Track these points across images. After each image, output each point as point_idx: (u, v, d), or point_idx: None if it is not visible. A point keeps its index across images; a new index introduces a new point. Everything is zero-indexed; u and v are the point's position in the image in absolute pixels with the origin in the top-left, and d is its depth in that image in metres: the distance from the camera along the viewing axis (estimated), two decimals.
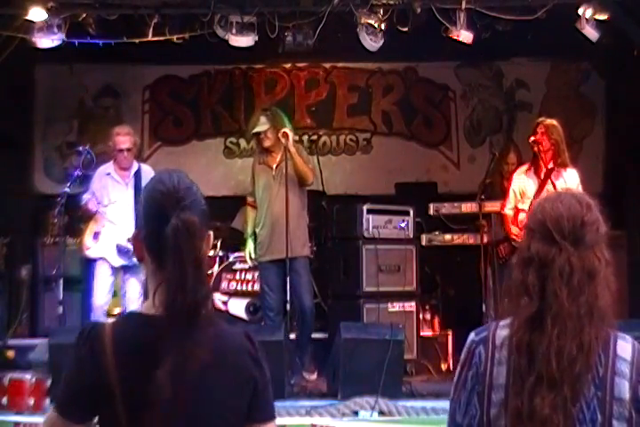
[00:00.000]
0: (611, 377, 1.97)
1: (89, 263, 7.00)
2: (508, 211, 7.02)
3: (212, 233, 2.04)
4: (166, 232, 1.90)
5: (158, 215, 1.94)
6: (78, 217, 7.37)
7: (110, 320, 1.98)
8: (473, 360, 2.05)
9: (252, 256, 6.94)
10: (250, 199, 7.09)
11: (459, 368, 2.09)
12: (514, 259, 2.11)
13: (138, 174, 6.80)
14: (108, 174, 6.87)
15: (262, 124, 6.92)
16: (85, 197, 6.80)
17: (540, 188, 6.80)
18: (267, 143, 6.95)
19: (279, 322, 6.72)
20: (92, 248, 6.76)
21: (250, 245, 6.96)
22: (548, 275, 1.99)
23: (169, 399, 1.83)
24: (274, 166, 6.94)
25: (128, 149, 6.83)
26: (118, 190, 6.77)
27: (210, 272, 7.67)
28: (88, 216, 6.86)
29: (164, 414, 1.84)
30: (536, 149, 6.79)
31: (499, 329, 2.05)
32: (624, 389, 1.97)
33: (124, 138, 6.85)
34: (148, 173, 6.87)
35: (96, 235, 6.77)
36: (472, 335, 2.11)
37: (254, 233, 6.95)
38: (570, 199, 2.07)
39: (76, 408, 1.92)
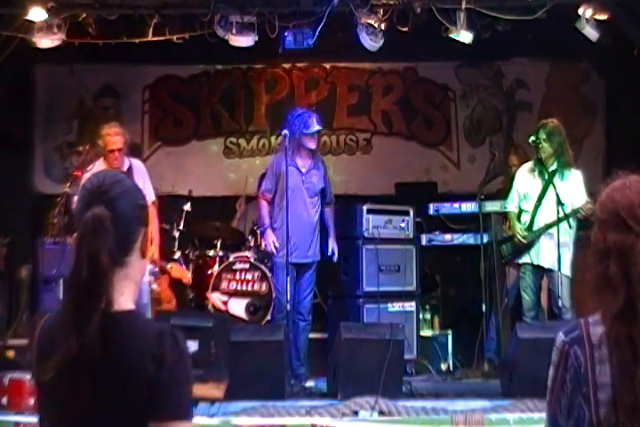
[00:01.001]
0: None
1: None
2: (512, 209, 7.00)
3: (145, 228, 2.04)
4: (80, 223, 1.96)
5: (82, 209, 1.98)
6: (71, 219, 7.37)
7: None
8: (569, 361, 2.01)
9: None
10: (267, 195, 7.08)
11: (552, 371, 2.05)
12: (589, 253, 2.08)
13: (130, 171, 6.78)
14: None
15: (318, 125, 7.04)
16: (75, 200, 6.78)
17: (543, 190, 6.79)
18: (313, 146, 7.02)
19: (283, 321, 6.76)
20: None
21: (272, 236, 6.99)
22: (630, 262, 1.97)
23: (61, 391, 1.89)
24: (304, 171, 6.99)
25: (119, 150, 6.78)
26: None
27: (210, 272, 7.67)
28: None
29: (69, 405, 1.89)
30: (538, 153, 6.78)
31: (592, 327, 2.01)
32: None
33: (114, 138, 6.75)
34: (139, 168, 6.86)
35: None
36: (561, 336, 2.06)
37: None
38: (638, 186, 2.08)
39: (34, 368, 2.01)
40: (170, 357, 1.91)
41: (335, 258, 7.14)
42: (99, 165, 6.86)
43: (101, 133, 6.83)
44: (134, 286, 2.02)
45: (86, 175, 6.82)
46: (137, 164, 6.93)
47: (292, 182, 6.92)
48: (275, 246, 6.94)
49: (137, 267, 2.02)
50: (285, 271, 6.83)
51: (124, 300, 1.97)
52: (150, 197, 6.78)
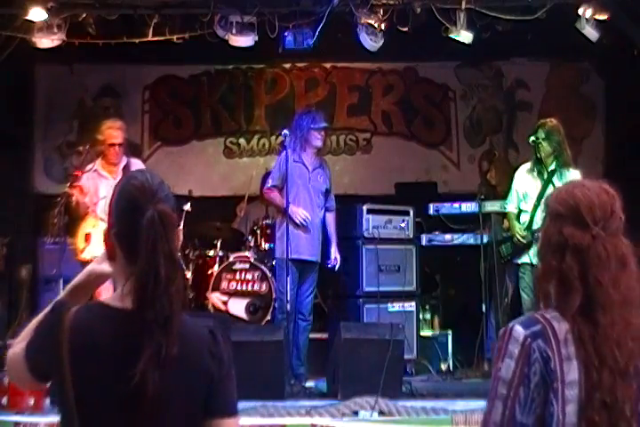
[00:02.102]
0: None
1: (85, 266, 6.97)
2: (511, 209, 7.00)
3: (181, 229, 2.06)
4: (141, 224, 1.91)
5: (132, 209, 1.95)
6: (72, 218, 7.37)
7: (75, 308, 1.98)
8: (532, 356, 1.98)
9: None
10: (274, 189, 7.04)
11: (511, 364, 1.99)
12: (540, 245, 2.09)
13: (127, 169, 6.76)
14: (95, 171, 6.82)
15: (325, 122, 7.07)
16: (74, 192, 6.76)
17: (542, 189, 6.79)
18: (319, 143, 7.02)
19: (284, 321, 6.75)
20: (85, 251, 6.71)
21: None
22: (586, 261, 1.98)
23: (129, 392, 1.85)
24: (311, 169, 7.00)
25: (120, 144, 6.77)
26: (106, 185, 6.62)
27: (210, 272, 7.67)
28: (78, 218, 6.82)
29: (125, 403, 1.86)
30: (537, 153, 6.77)
31: (554, 322, 2.00)
32: None
33: (116, 132, 6.74)
34: (137, 166, 6.83)
35: (87, 236, 6.72)
36: (519, 329, 2.01)
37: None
38: (597, 188, 2.08)
39: (34, 364, 1.96)
40: (225, 354, 1.97)
41: (337, 266, 7.11)
42: (97, 164, 6.85)
43: (102, 127, 6.81)
44: None
45: (86, 175, 6.83)
46: (135, 162, 6.89)
47: (297, 180, 6.91)
48: (306, 216, 6.85)
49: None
50: (291, 271, 6.82)
51: None
52: None
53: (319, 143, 7.04)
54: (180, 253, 7.58)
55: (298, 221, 6.84)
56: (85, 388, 1.89)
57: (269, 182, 7.08)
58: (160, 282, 1.88)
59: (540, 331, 2.00)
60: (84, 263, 6.88)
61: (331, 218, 7.16)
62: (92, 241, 6.68)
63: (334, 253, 7.07)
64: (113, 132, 6.74)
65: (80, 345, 1.91)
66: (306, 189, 6.97)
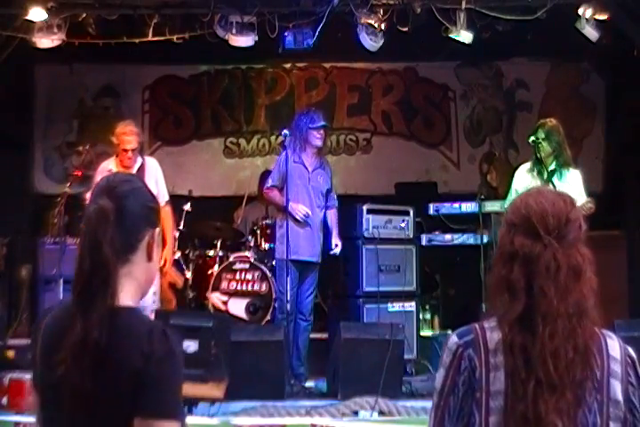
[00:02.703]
0: (607, 379, 1.94)
1: None
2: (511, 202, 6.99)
3: (157, 230, 2.07)
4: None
5: (89, 206, 2.03)
6: (80, 217, 7.35)
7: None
8: (462, 365, 1.98)
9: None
10: (274, 188, 7.04)
11: (442, 373, 2.01)
12: (494, 255, 2.07)
13: (142, 170, 6.77)
14: (110, 171, 6.82)
15: (324, 121, 7.04)
16: (89, 195, 6.78)
17: None
18: (319, 143, 7.01)
19: (284, 322, 6.75)
20: None
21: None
22: (534, 271, 1.95)
23: (60, 381, 1.90)
24: (311, 170, 6.99)
25: (133, 150, 6.75)
26: None
27: (210, 272, 7.67)
28: None
29: (69, 399, 1.90)
30: (537, 153, 6.77)
31: (488, 331, 2.00)
32: (618, 390, 1.94)
33: (129, 138, 6.66)
34: (152, 167, 6.82)
35: None
36: (454, 338, 2.03)
37: None
38: (553, 196, 2.05)
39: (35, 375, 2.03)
40: (158, 353, 1.91)
41: (338, 251, 7.08)
42: (109, 163, 6.84)
43: (116, 131, 6.75)
44: (137, 286, 2.03)
45: (100, 174, 6.81)
46: (150, 162, 6.85)
47: (297, 180, 6.91)
48: (306, 212, 6.85)
49: (142, 267, 2.04)
50: (291, 271, 6.83)
51: (124, 296, 1.99)
52: (164, 197, 6.77)
53: (319, 143, 7.03)
54: (180, 254, 7.69)
55: (299, 217, 6.85)
56: (43, 383, 1.98)
57: (269, 182, 7.08)
58: (81, 274, 1.94)
59: (471, 340, 2.00)
60: None
61: (333, 214, 7.15)
62: None
63: (335, 240, 7.06)
64: (127, 137, 6.66)
65: (46, 333, 1.99)
66: (306, 189, 6.97)
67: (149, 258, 2.05)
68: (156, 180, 6.77)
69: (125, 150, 6.67)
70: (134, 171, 6.76)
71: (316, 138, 6.99)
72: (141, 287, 2.05)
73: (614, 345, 1.99)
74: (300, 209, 6.85)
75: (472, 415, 1.96)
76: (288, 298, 6.74)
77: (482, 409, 1.94)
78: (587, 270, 1.97)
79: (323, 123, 7.03)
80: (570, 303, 1.93)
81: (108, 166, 6.82)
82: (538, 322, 1.93)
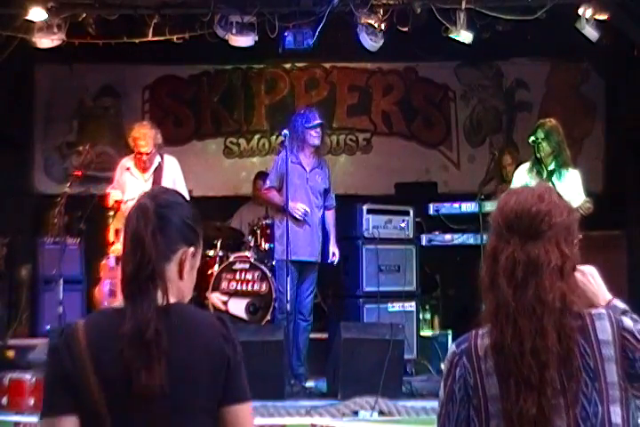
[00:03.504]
0: (601, 366, 1.94)
1: (109, 262, 6.99)
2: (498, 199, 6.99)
3: (191, 250, 2.07)
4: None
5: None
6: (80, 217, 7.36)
7: (83, 318, 2.02)
8: (458, 372, 2.01)
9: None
10: (273, 189, 7.05)
11: (442, 382, 2.05)
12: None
13: (159, 170, 6.77)
14: (128, 169, 6.82)
15: (321, 120, 7.04)
16: (110, 189, 6.79)
17: None
18: (316, 141, 6.99)
19: (284, 322, 6.75)
20: (114, 245, 6.75)
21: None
22: (496, 270, 1.99)
23: (146, 384, 1.87)
24: (308, 169, 6.99)
25: (147, 153, 6.73)
26: (136, 186, 6.62)
27: (210, 272, 7.67)
28: (111, 213, 6.84)
29: (144, 397, 1.87)
30: (537, 153, 6.77)
31: (479, 339, 2.02)
32: (614, 372, 1.94)
33: (142, 142, 6.65)
34: (171, 165, 6.82)
35: (117, 232, 6.74)
36: (453, 347, 2.07)
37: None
38: (526, 193, 2.05)
39: (58, 399, 1.93)
40: (235, 337, 2.02)
41: (335, 261, 7.12)
42: (128, 160, 6.84)
43: (131, 134, 6.75)
44: (177, 294, 2.05)
45: (120, 171, 6.81)
46: (169, 161, 6.85)
47: (295, 180, 6.91)
48: (305, 210, 6.85)
49: (173, 280, 2.04)
50: (291, 271, 6.83)
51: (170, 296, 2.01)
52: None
53: (316, 141, 7.02)
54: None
55: (298, 216, 6.85)
56: (113, 388, 1.90)
57: (267, 183, 7.10)
58: (128, 271, 1.95)
59: (466, 348, 2.03)
60: (113, 257, 6.88)
61: (330, 215, 7.17)
62: (120, 237, 6.70)
63: (332, 248, 7.07)
64: (140, 141, 6.67)
65: (97, 341, 1.93)
66: (304, 189, 6.97)
67: (180, 276, 2.06)
68: (174, 179, 6.79)
69: (140, 153, 6.67)
70: (151, 171, 6.77)
71: (313, 137, 6.99)
72: (175, 296, 2.05)
73: (604, 326, 1.97)
74: (298, 207, 6.85)
75: (471, 422, 1.97)
76: (288, 298, 6.74)
77: (482, 415, 1.96)
78: (551, 262, 1.95)
79: (318, 121, 7.01)
80: (529, 299, 1.93)
81: (127, 164, 6.83)
82: (503, 322, 1.94)
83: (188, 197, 2.17)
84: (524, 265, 1.95)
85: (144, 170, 6.78)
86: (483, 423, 1.96)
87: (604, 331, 1.96)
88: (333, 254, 7.07)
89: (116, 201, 6.69)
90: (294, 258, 6.82)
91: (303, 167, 7.00)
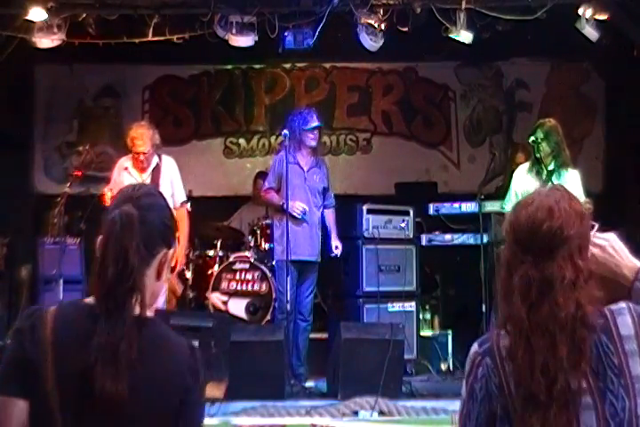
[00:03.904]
0: (626, 362, 1.93)
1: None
2: (510, 209, 7.01)
3: (170, 252, 2.04)
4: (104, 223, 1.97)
5: (111, 211, 1.99)
6: (88, 217, 7.37)
7: (55, 306, 1.99)
8: (480, 372, 2.01)
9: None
10: (272, 190, 7.05)
11: (464, 381, 2.05)
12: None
13: (157, 170, 6.77)
14: (126, 169, 6.82)
15: (319, 122, 7.03)
16: (107, 189, 6.79)
17: None
18: (313, 143, 6.98)
19: (284, 322, 6.75)
20: None
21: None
22: (512, 287, 1.97)
23: (110, 391, 1.85)
24: (305, 169, 6.99)
25: (145, 153, 6.75)
26: None
27: (210, 272, 7.67)
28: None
29: (101, 403, 1.85)
30: (536, 153, 6.77)
31: (501, 339, 2.01)
32: (638, 365, 1.93)
33: (139, 142, 6.67)
34: (168, 166, 6.82)
35: None
36: (475, 347, 2.06)
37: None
38: (536, 206, 2.02)
39: (10, 380, 1.90)
40: (201, 371, 1.98)
41: (339, 254, 7.11)
42: (126, 160, 6.83)
43: (129, 134, 6.76)
44: (150, 298, 2.02)
45: (117, 170, 6.81)
46: (166, 162, 6.85)
47: (293, 180, 6.92)
48: (304, 208, 6.86)
49: (150, 284, 2.01)
50: (290, 272, 6.83)
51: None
52: (180, 197, 6.78)
53: (313, 143, 7.03)
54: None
55: (296, 214, 6.85)
56: (67, 383, 1.89)
57: (266, 184, 7.11)
58: (105, 280, 1.90)
59: (488, 348, 2.02)
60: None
61: (330, 214, 7.18)
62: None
63: (335, 242, 7.08)
64: (137, 141, 6.68)
65: (63, 333, 1.91)
66: (302, 189, 6.98)
67: (158, 277, 2.04)
68: (172, 180, 6.79)
69: (137, 153, 6.68)
70: (149, 171, 6.77)
71: (310, 139, 6.99)
72: (149, 301, 2.02)
73: (625, 321, 1.96)
74: (297, 206, 6.86)
75: (500, 420, 1.97)
76: (288, 298, 6.74)
77: (510, 414, 1.95)
78: (566, 278, 1.94)
79: (315, 124, 7.02)
80: (544, 317, 1.93)
81: (125, 164, 6.82)
82: (517, 337, 1.94)
83: (184, 198, 2.16)
84: (539, 283, 1.95)
85: (142, 170, 6.77)
86: (512, 422, 1.95)
87: (626, 326, 1.96)
88: (336, 247, 7.08)
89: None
90: (294, 258, 6.83)
91: (301, 167, 7.00)
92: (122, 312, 1.89)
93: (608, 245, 2.10)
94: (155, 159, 6.81)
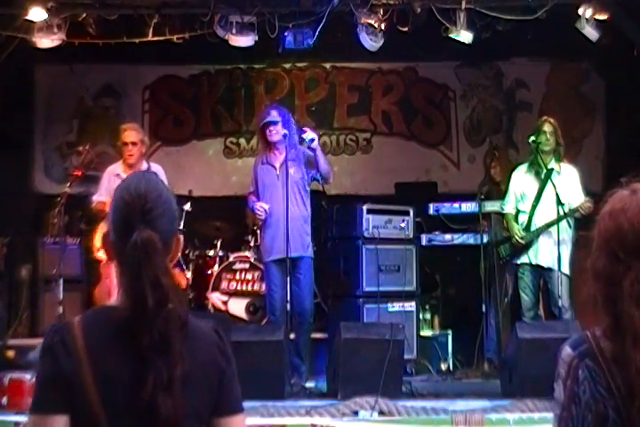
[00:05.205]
0: None
1: (99, 264, 6.98)
2: (509, 210, 7.03)
3: (181, 237, 2.04)
4: (127, 246, 1.90)
5: (123, 226, 1.93)
6: (87, 218, 7.35)
7: (78, 316, 1.96)
8: (581, 375, 1.96)
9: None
10: (253, 195, 7.02)
11: (561, 385, 1.99)
12: (588, 266, 2.01)
13: None
14: (117, 175, 6.80)
15: (274, 117, 6.79)
16: (96, 197, 6.79)
17: (540, 189, 6.81)
18: (276, 137, 6.83)
19: (281, 322, 6.72)
20: (100, 250, 6.73)
21: None
22: (619, 294, 1.92)
23: (142, 409, 1.84)
24: (277, 166, 6.91)
25: (133, 143, 6.74)
26: None
27: (210, 272, 7.67)
28: (100, 217, 6.81)
29: (146, 405, 1.84)
30: (540, 149, 6.78)
31: (601, 341, 1.97)
32: None
33: (129, 132, 6.79)
34: (157, 172, 6.81)
35: (104, 237, 6.71)
36: (568, 350, 2.00)
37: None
38: (635, 208, 1.96)
39: (49, 397, 1.88)
40: (229, 349, 2.00)
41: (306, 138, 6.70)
42: (117, 167, 6.85)
43: (119, 130, 6.89)
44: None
45: (107, 178, 6.80)
46: (156, 168, 6.84)
47: (265, 181, 6.84)
48: (263, 208, 6.72)
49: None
50: (275, 271, 6.76)
51: None
52: None
53: (274, 138, 6.79)
54: (180, 254, 7.69)
55: (258, 216, 6.80)
56: (110, 390, 1.86)
57: (250, 189, 7.04)
58: (148, 310, 1.86)
59: (586, 350, 1.98)
60: (98, 262, 6.89)
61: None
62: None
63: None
64: (126, 132, 6.82)
65: (96, 338, 1.89)
66: (276, 187, 6.82)
67: (172, 260, 2.04)
68: None
69: (125, 143, 6.72)
70: None
71: (269, 135, 6.84)
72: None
73: None
74: (257, 207, 6.77)
75: (612, 423, 1.93)
76: (288, 298, 6.68)
77: (622, 416, 1.92)
78: None
79: (269, 118, 6.79)
80: None
81: (116, 171, 6.82)
82: (629, 343, 1.90)
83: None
84: None
85: (132, 169, 6.77)
86: (626, 423, 1.92)
87: None
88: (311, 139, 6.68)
89: (100, 202, 6.67)
90: (273, 258, 6.74)
91: (272, 166, 6.88)
92: (167, 343, 1.86)
93: None
94: (144, 166, 6.81)
